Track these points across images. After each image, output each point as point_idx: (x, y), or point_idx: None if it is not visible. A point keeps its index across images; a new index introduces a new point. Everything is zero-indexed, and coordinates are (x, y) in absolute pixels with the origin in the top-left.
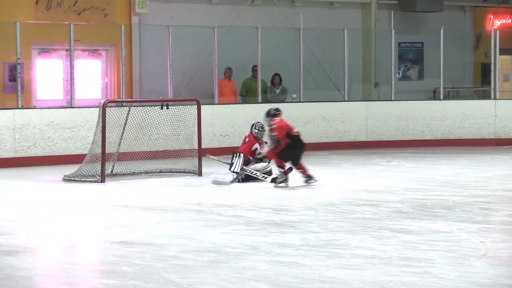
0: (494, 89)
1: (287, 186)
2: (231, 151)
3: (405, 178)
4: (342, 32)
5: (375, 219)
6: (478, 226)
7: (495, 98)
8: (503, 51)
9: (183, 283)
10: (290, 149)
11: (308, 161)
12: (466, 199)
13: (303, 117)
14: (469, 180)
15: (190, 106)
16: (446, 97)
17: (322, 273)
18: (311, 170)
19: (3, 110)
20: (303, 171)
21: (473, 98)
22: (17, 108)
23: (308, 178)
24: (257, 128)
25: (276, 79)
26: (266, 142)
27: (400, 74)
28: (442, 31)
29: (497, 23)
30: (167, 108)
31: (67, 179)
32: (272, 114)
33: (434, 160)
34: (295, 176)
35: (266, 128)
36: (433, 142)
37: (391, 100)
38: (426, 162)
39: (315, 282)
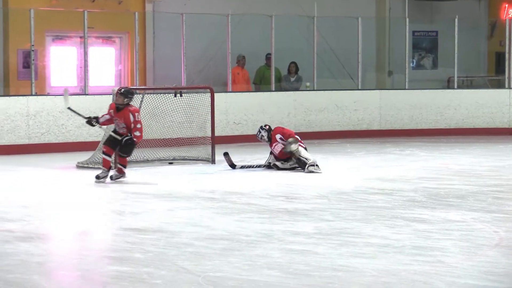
0: (509, 78)
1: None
2: (244, 139)
3: (419, 167)
4: (356, 21)
5: (388, 208)
6: (491, 216)
7: (509, 87)
8: None
9: (196, 270)
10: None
11: (321, 149)
12: (479, 188)
13: (317, 105)
14: (483, 169)
15: (204, 94)
16: (460, 86)
17: (335, 261)
18: (324, 158)
19: (17, 97)
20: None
21: (487, 87)
22: (31, 95)
23: (118, 175)
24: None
25: (292, 67)
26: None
27: (414, 63)
28: (456, 20)
29: None
30: (181, 95)
31: (81, 166)
32: (129, 97)
33: (448, 149)
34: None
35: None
36: (446, 131)
37: (405, 89)
38: (439, 151)
39: (327, 270)
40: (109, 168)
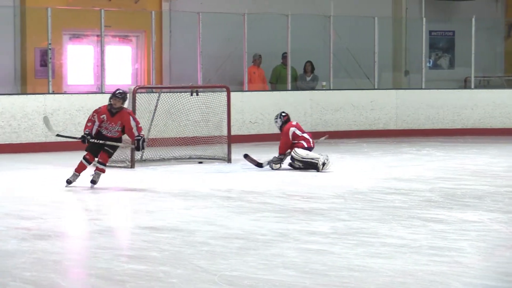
0: None
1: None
2: (260, 138)
3: (435, 167)
4: (373, 20)
5: (404, 208)
6: (508, 216)
7: None
8: None
9: (211, 269)
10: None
11: (338, 149)
12: (496, 189)
13: (333, 105)
14: (500, 170)
15: (220, 93)
16: (477, 86)
17: (351, 261)
18: (340, 158)
19: (34, 95)
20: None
21: (504, 87)
22: (48, 93)
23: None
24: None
25: (308, 67)
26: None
27: (431, 63)
28: (473, 19)
29: None
30: (197, 94)
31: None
32: (126, 99)
33: (465, 149)
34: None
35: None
36: (463, 131)
37: (422, 89)
38: (456, 151)
39: (344, 270)
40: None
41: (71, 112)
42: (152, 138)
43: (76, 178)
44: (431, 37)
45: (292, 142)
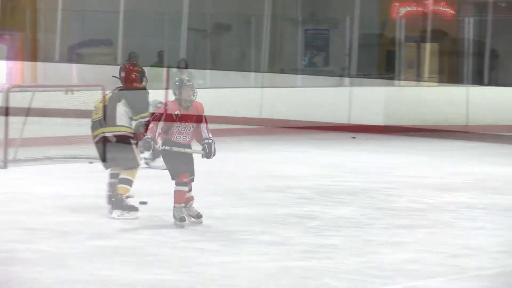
0: (399, 75)
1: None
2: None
3: (311, 164)
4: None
5: (280, 206)
6: (381, 212)
7: (399, 85)
8: (408, 38)
9: None
10: None
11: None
12: (370, 185)
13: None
14: (374, 167)
15: (95, 91)
16: (352, 84)
17: (223, 259)
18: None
19: None
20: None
21: (378, 85)
22: None
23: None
24: None
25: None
26: None
27: (306, 61)
28: (348, 18)
29: (402, 10)
30: (72, 93)
31: None
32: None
33: (341, 147)
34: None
35: None
36: (339, 128)
37: (298, 87)
38: (332, 148)
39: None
40: None
41: None
42: (26, 138)
43: (184, 212)
44: (307, 35)
45: None
